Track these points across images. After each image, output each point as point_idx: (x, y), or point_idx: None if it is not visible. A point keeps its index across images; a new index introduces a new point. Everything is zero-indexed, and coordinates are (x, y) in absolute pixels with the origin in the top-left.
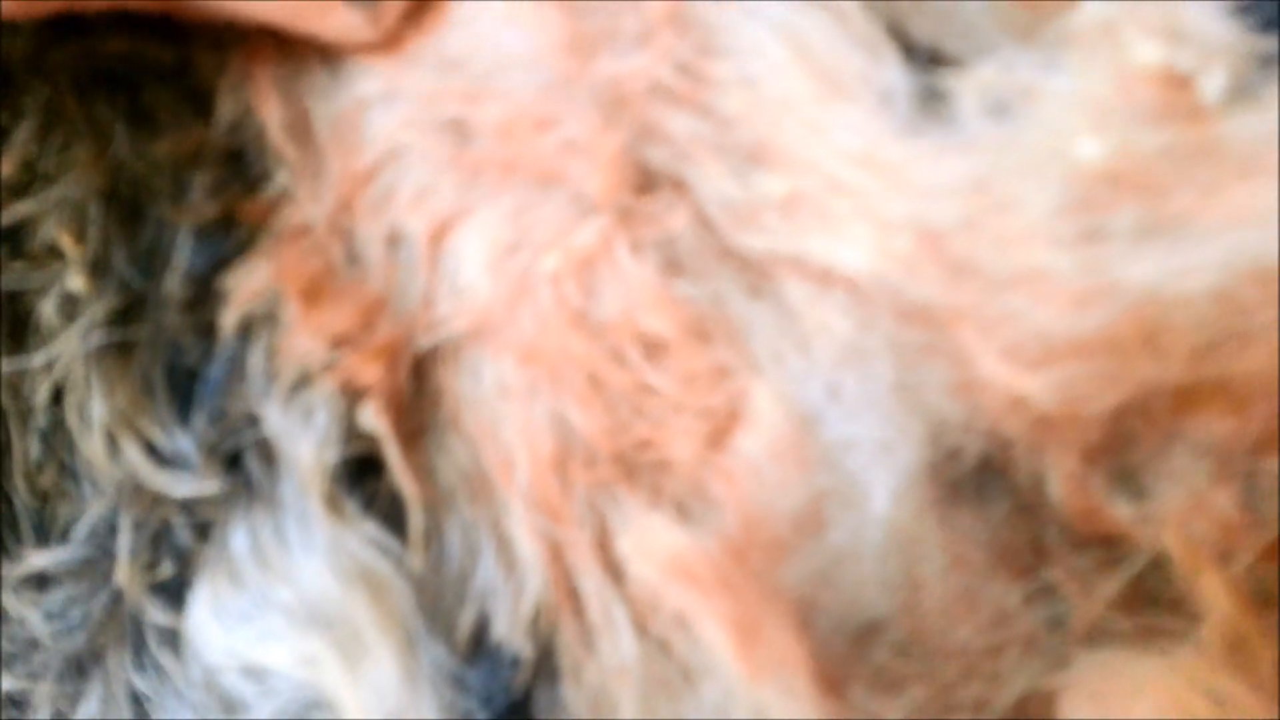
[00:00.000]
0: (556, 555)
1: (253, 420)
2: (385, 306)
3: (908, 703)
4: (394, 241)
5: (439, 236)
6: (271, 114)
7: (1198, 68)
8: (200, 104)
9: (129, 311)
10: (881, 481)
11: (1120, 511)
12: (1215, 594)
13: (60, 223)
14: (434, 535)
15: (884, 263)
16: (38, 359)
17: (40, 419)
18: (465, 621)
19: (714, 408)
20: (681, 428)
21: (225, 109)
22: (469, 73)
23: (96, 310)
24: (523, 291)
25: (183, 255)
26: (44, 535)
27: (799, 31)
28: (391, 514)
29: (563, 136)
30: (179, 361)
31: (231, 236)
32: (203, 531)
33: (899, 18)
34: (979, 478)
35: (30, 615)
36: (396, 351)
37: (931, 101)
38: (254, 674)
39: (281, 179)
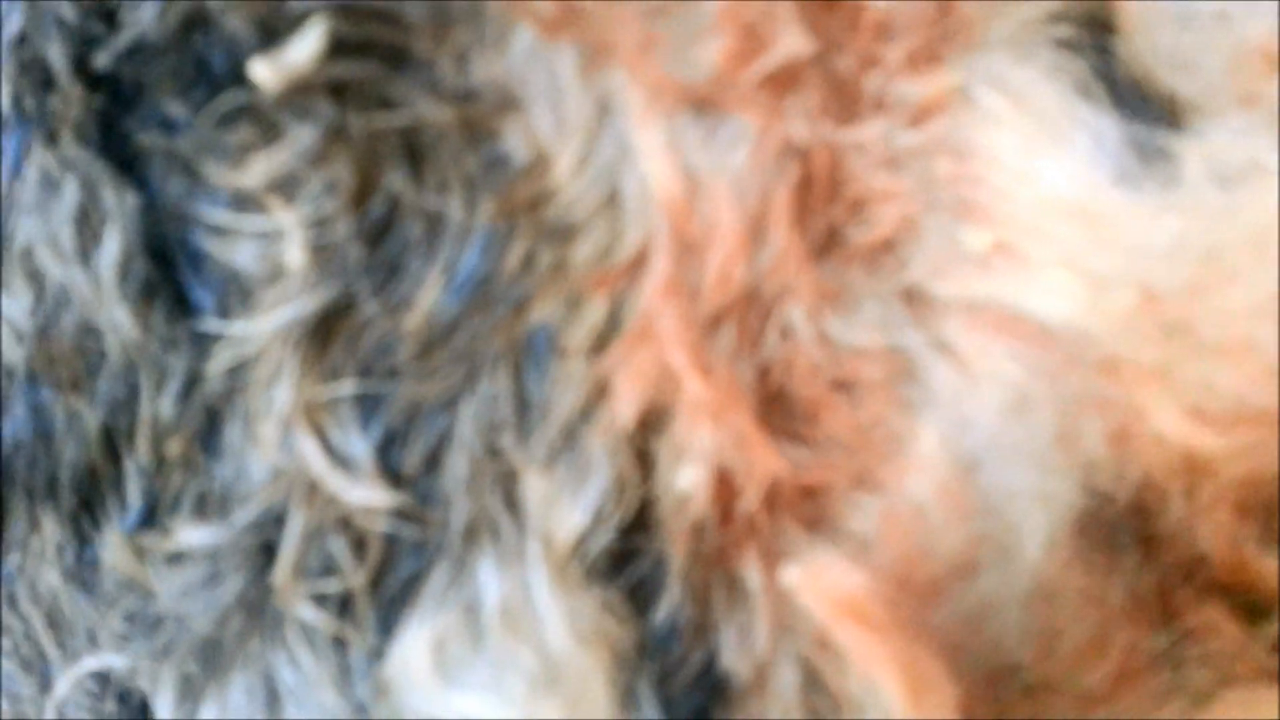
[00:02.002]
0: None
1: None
2: None
3: None
4: None
5: None
6: None
7: None
8: None
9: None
10: (1034, 529)
11: (1268, 566)
12: None
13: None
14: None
15: (1093, 316)
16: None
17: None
18: (690, 667)
19: (880, 447)
20: (847, 465)
21: None
22: None
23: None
24: None
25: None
26: (204, 509)
27: (1014, 81)
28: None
29: None
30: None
31: None
32: (361, 545)
33: (1133, 68)
34: (1122, 522)
35: (163, 588)
36: None
37: (1151, 157)
38: None
39: None
